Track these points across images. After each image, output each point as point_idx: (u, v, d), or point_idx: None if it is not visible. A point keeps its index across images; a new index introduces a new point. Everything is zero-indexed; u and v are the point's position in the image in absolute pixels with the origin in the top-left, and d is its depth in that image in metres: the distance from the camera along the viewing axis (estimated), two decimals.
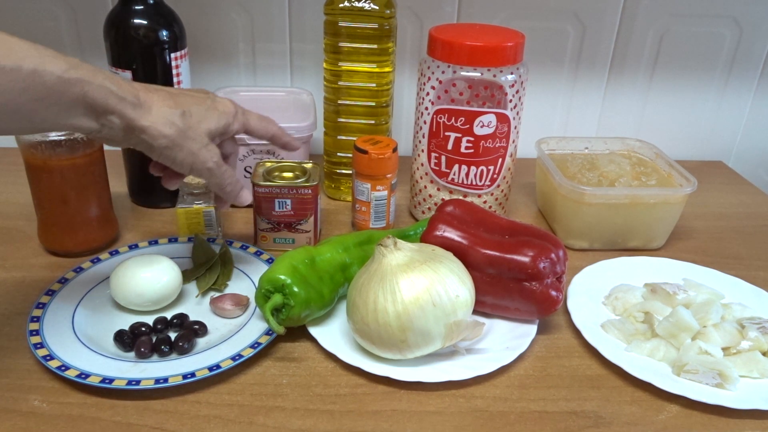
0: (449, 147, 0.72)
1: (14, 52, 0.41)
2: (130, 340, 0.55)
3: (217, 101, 0.54)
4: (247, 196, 0.58)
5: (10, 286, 0.63)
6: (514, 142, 0.73)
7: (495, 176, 0.74)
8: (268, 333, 0.56)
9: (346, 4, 0.72)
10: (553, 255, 0.57)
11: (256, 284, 0.61)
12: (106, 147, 0.67)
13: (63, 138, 0.62)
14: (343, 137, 0.80)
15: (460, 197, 0.74)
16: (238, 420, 0.49)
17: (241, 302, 0.60)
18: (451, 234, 0.60)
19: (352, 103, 0.78)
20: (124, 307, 0.59)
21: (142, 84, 0.49)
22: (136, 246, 0.68)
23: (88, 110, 0.45)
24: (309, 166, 0.71)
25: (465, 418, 0.50)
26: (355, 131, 0.79)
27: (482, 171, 0.73)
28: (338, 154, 0.81)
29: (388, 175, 0.71)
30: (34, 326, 0.55)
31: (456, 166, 0.73)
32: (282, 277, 0.55)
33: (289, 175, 0.70)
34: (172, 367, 0.52)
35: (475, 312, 0.58)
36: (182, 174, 0.56)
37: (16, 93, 0.41)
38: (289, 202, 0.68)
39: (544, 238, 0.59)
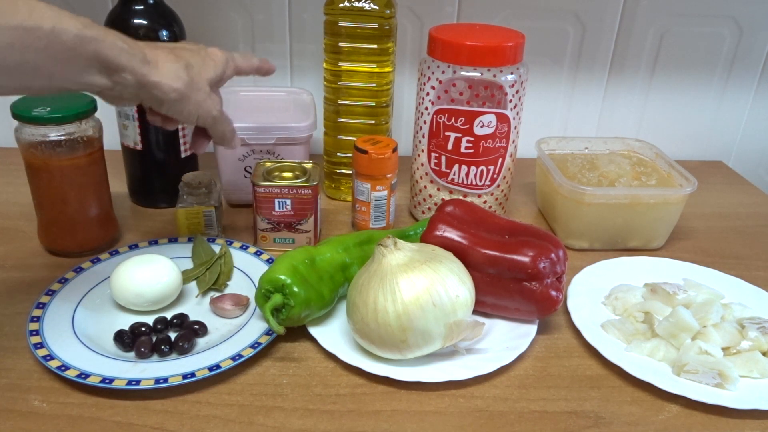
0: (449, 147, 0.72)
1: (35, 11, 0.42)
2: (130, 340, 0.55)
3: (209, 51, 0.55)
4: (238, 141, 0.60)
5: (10, 286, 0.63)
6: (514, 142, 0.73)
7: (495, 176, 0.74)
8: (268, 333, 0.56)
9: (346, 4, 0.72)
10: (553, 255, 0.57)
11: (256, 284, 0.61)
12: (106, 147, 0.67)
13: (63, 138, 0.62)
14: (343, 137, 0.80)
15: (460, 197, 0.74)
16: (238, 420, 0.49)
17: (241, 302, 0.60)
18: (451, 234, 0.60)
19: (352, 103, 0.78)
20: (124, 307, 0.59)
21: (143, 42, 0.50)
22: (136, 246, 0.68)
23: (101, 68, 0.46)
24: (309, 166, 0.71)
25: (465, 418, 0.50)
26: (355, 131, 0.79)
27: (482, 171, 0.73)
28: (338, 154, 0.81)
29: (388, 175, 0.71)
30: (34, 326, 0.55)
31: (456, 166, 0.73)
32: (282, 277, 0.55)
33: (289, 175, 0.70)
34: (172, 367, 0.52)
35: (475, 312, 0.58)
36: (208, 137, 0.58)
37: (36, 51, 0.42)
38: (289, 202, 0.68)
39: (544, 238, 0.59)
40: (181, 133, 0.76)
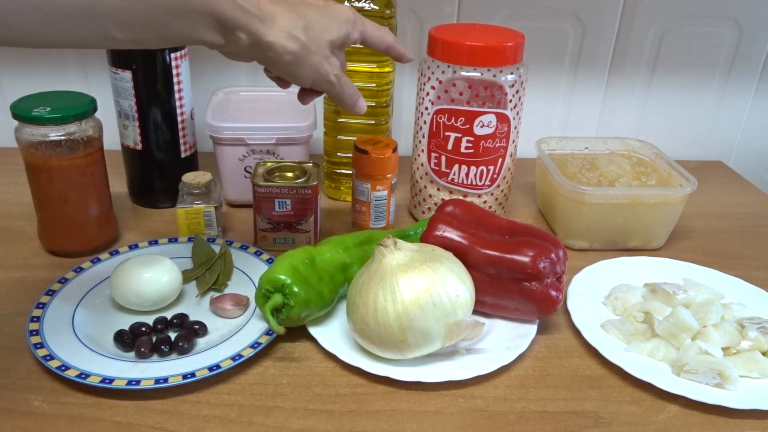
0: (449, 147, 0.72)
1: None
2: (130, 340, 0.55)
3: (337, 9, 0.51)
4: (363, 105, 0.56)
5: (10, 286, 0.63)
6: (514, 142, 0.73)
7: (495, 176, 0.74)
8: (268, 333, 0.56)
9: (346, 4, 0.72)
10: (553, 255, 0.57)
11: (256, 284, 0.61)
12: (106, 147, 0.67)
13: (63, 138, 0.62)
14: (343, 137, 0.80)
15: (460, 197, 0.74)
16: (238, 420, 0.49)
17: (241, 302, 0.60)
18: (451, 234, 0.60)
19: None
20: (124, 307, 0.59)
21: None
22: (136, 246, 0.68)
23: (216, 25, 0.45)
24: (309, 166, 0.71)
25: (465, 418, 0.50)
26: (355, 131, 0.79)
27: (482, 171, 0.73)
28: (338, 154, 0.81)
29: (388, 175, 0.71)
30: (34, 326, 0.55)
31: (456, 166, 0.73)
32: (282, 277, 0.55)
33: (289, 175, 0.70)
34: (172, 367, 0.52)
35: (475, 312, 0.58)
36: (317, 92, 0.55)
37: (152, 5, 0.41)
38: (289, 202, 0.68)
39: (544, 238, 0.59)
40: (181, 134, 0.76)
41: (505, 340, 0.57)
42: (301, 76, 0.50)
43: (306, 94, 0.57)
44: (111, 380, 0.49)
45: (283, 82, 0.54)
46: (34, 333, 0.54)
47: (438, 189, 0.75)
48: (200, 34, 0.44)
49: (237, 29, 0.45)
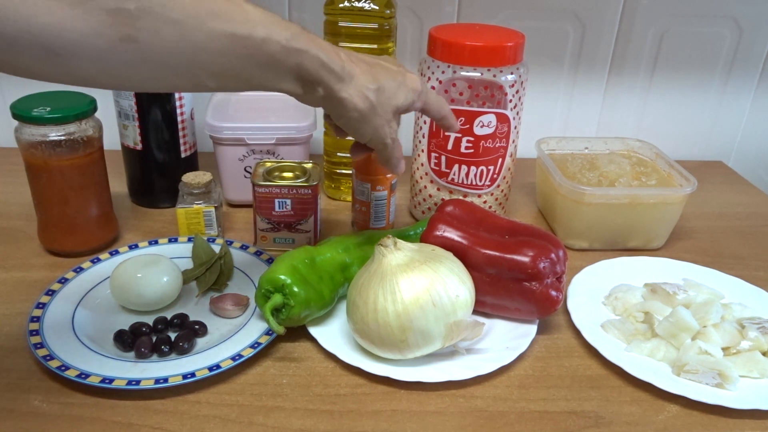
0: (449, 147, 0.72)
1: (249, 19, 0.42)
2: (130, 340, 0.55)
3: (408, 77, 0.53)
4: (403, 166, 0.58)
5: (10, 286, 0.63)
6: (514, 142, 0.73)
7: (495, 176, 0.74)
8: (268, 333, 0.56)
9: (346, 4, 0.72)
10: (553, 255, 0.57)
11: (256, 284, 0.61)
12: (106, 147, 0.67)
13: (63, 138, 0.62)
14: None
15: (460, 197, 0.74)
16: (238, 420, 0.49)
17: (241, 302, 0.60)
18: (451, 234, 0.60)
19: None
20: (124, 307, 0.59)
21: (344, 51, 0.49)
22: (136, 246, 0.68)
23: (298, 78, 0.46)
24: (309, 166, 0.71)
25: (465, 418, 0.50)
26: None
27: (482, 171, 0.73)
28: (338, 154, 0.81)
29: (388, 175, 0.71)
30: (34, 326, 0.55)
31: (456, 166, 0.73)
32: (282, 277, 0.55)
33: (289, 175, 0.70)
34: (172, 367, 0.52)
35: (475, 312, 0.58)
36: (369, 149, 0.56)
37: (243, 59, 0.42)
38: (289, 202, 0.68)
39: (544, 238, 0.59)
40: (181, 134, 0.76)
41: (505, 340, 0.57)
42: (361, 132, 0.52)
43: (359, 148, 0.58)
44: (111, 380, 0.49)
45: (340, 132, 0.56)
46: (34, 333, 0.54)
47: (438, 189, 0.75)
48: (282, 85, 0.46)
49: (317, 84, 0.47)
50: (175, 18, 0.38)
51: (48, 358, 0.51)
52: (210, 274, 0.64)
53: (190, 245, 0.68)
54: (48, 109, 0.61)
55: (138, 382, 0.49)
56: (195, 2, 0.39)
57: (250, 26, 0.41)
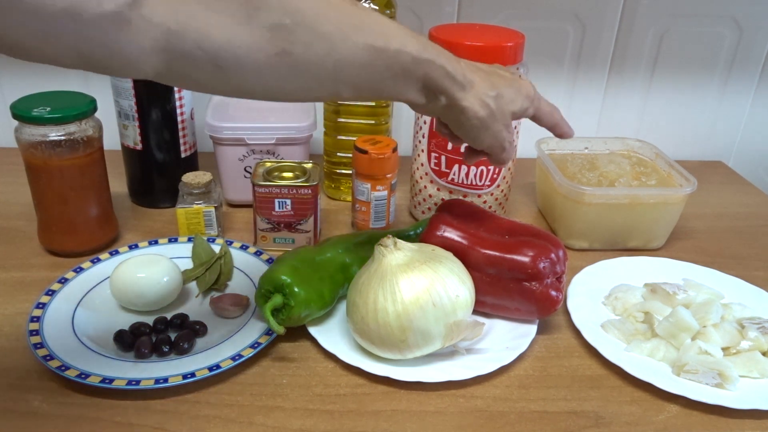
0: (449, 147, 0.72)
1: (385, 32, 0.43)
2: (130, 340, 0.55)
3: (522, 84, 0.54)
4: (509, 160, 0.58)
5: (10, 286, 0.63)
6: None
7: (495, 176, 0.74)
8: (268, 333, 0.56)
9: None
10: (553, 255, 0.57)
11: (256, 284, 0.61)
12: (106, 147, 0.67)
13: (63, 138, 0.62)
14: (343, 137, 0.80)
15: (460, 197, 0.74)
16: (238, 420, 0.49)
17: (241, 302, 0.60)
18: (451, 234, 0.60)
19: (352, 103, 0.78)
20: (124, 307, 0.59)
21: (465, 61, 0.50)
22: (136, 246, 0.68)
23: (423, 88, 0.47)
24: (309, 166, 0.71)
25: (465, 418, 0.50)
26: (355, 131, 0.79)
27: (482, 171, 0.73)
28: (338, 154, 0.81)
29: (388, 175, 0.71)
30: (34, 326, 0.55)
31: (456, 166, 0.73)
32: (282, 277, 0.55)
33: (289, 175, 0.70)
34: (172, 367, 0.52)
35: (475, 312, 0.58)
36: (482, 152, 0.56)
37: (380, 70, 0.44)
38: (289, 202, 0.68)
39: (544, 238, 0.59)
40: (181, 133, 0.76)
41: (505, 340, 0.57)
42: (480, 139, 0.52)
43: (473, 154, 0.58)
44: (111, 380, 0.49)
45: (455, 139, 0.56)
46: (34, 333, 0.54)
47: (438, 189, 0.75)
48: (409, 95, 0.47)
49: (440, 93, 0.48)
50: (325, 31, 0.40)
51: (48, 358, 0.51)
52: (210, 274, 0.64)
53: (190, 245, 0.68)
54: (48, 109, 0.61)
55: (138, 382, 0.49)
56: (341, 15, 0.41)
57: (386, 38, 0.43)
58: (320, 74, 0.42)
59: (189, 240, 0.69)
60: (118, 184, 0.79)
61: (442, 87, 0.47)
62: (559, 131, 0.58)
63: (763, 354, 0.56)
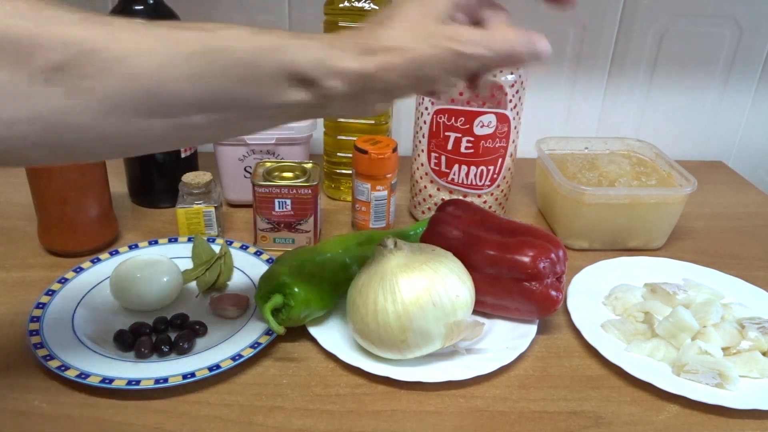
0: (449, 147, 0.72)
1: (207, 34, 0.37)
2: (130, 340, 0.55)
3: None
4: (544, 45, 0.44)
5: (10, 286, 0.63)
6: (514, 142, 0.73)
7: (495, 176, 0.74)
8: (268, 333, 0.56)
9: (346, 4, 0.72)
10: (553, 255, 0.57)
11: (256, 284, 0.61)
12: None
13: None
14: (343, 137, 0.80)
15: (460, 197, 0.74)
16: (238, 420, 0.49)
17: (241, 302, 0.60)
18: (451, 234, 0.60)
19: None
20: (124, 307, 0.59)
21: (330, 35, 0.41)
22: (136, 246, 0.68)
23: (293, 80, 0.38)
24: (309, 166, 0.71)
25: (465, 418, 0.50)
26: (355, 131, 0.79)
27: (482, 171, 0.73)
28: (338, 154, 0.81)
29: (388, 175, 0.71)
30: (34, 326, 0.55)
31: (456, 166, 0.73)
32: (282, 277, 0.55)
33: (289, 175, 0.70)
34: (172, 367, 0.52)
35: (475, 312, 0.58)
36: (478, 73, 0.45)
37: (214, 76, 0.37)
38: (289, 202, 0.68)
39: (544, 238, 0.59)
40: None
41: (505, 340, 0.57)
42: (430, 77, 0.40)
43: (473, 84, 0.46)
44: (111, 380, 0.49)
45: (433, 94, 0.45)
46: (34, 333, 0.54)
47: (438, 189, 0.75)
48: (284, 97, 0.38)
49: (323, 78, 0.38)
50: (116, 54, 0.35)
51: (48, 358, 0.51)
52: (210, 274, 0.64)
53: (190, 245, 0.68)
54: None
55: (138, 382, 0.49)
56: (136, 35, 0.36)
57: (205, 40, 0.37)
58: (141, 105, 0.36)
59: (189, 240, 0.69)
60: (118, 184, 0.79)
61: (312, 69, 0.38)
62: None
63: (763, 354, 0.56)
